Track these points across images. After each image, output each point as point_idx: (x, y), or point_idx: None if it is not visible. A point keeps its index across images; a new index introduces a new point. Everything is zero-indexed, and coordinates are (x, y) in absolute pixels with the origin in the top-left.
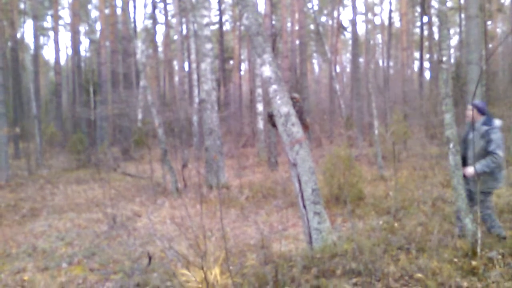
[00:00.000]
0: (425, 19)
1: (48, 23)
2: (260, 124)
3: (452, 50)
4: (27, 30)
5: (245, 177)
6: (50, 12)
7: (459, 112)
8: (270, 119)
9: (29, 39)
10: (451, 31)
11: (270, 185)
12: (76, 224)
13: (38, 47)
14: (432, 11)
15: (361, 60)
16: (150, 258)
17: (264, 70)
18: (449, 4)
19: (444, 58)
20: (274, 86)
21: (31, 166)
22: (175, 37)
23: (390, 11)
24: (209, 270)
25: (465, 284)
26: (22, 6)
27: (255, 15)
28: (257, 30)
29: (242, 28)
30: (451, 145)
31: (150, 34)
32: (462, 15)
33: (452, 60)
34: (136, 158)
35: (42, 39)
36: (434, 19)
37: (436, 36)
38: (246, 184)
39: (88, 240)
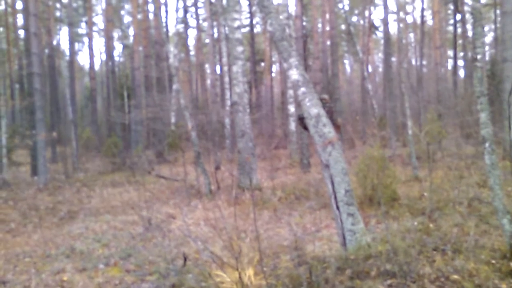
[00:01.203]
0: (458, 16)
1: (82, 29)
2: (292, 125)
3: (487, 48)
4: (62, 37)
5: (278, 179)
6: (84, 19)
7: (494, 111)
8: (301, 121)
9: (65, 46)
10: (486, 28)
11: (303, 186)
12: (112, 226)
13: (73, 53)
14: (466, 8)
15: (393, 59)
16: (185, 259)
17: (292, 73)
18: (483, 0)
19: (479, 56)
20: (303, 89)
21: (68, 169)
22: (207, 41)
23: (423, 9)
24: (243, 271)
25: (503, 286)
26: (58, 14)
27: (279, 21)
28: (282, 36)
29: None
30: (487, 144)
31: (182, 38)
32: (498, 11)
33: (487, 58)
34: (170, 161)
35: (77, 45)
36: (468, 16)
37: (470, 33)
38: (279, 186)
39: (124, 241)
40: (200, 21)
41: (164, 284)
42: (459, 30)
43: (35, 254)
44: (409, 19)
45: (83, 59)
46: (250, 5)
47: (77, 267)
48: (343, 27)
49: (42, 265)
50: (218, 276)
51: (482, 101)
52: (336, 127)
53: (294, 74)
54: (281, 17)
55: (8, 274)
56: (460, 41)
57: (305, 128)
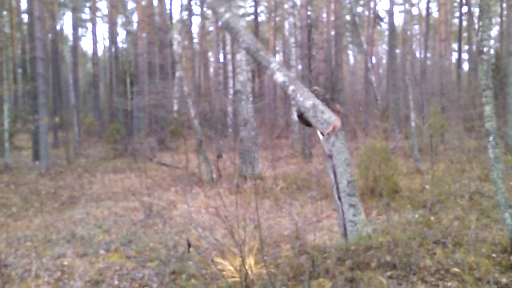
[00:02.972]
0: (464, 9)
1: (86, 15)
2: (295, 115)
3: (492, 41)
4: (66, 22)
5: (279, 168)
6: (88, 4)
7: (498, 105)
8: (301, 119)
9: (68, 31)
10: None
11: (304, 176)
12: (113, 212)
13: (76, 38)
14: (473, 0)
15: (397, 51)
16: (189, 245)
17: (277, 77)
18: None
19: (485, 49)
20: (291, 87)
21: (70, 155)
22: (211, 28)
23: (428, 1)
24: (244, 259)
25: (504, 280)
26: None
27: (249, 36)
28: (256, 47)
29: (277, 19)
30: (491, 138)
31: (186, 25)
32: (504, 4)
33: (492, 51)
34: (171, 148)
35: (80, 31)
36: (474, 9)
37: (476, 26)
38: (280, 175)
39: (125, 228)
40: (204, 9)
41: (165, 270)
42: (464, 23)
43: (36, 238)
44: (415, 11)
45: (86, 45)
46: None
47: (77, 252)
48: (348, 17)
49: (43, 249)
50: (219, 264)
51: (487, 94)
52: (336, 112)
53: (279, 77)
54: (286, 6)
55: (10, 258)
56: (465, 34)
57: (307, 124)
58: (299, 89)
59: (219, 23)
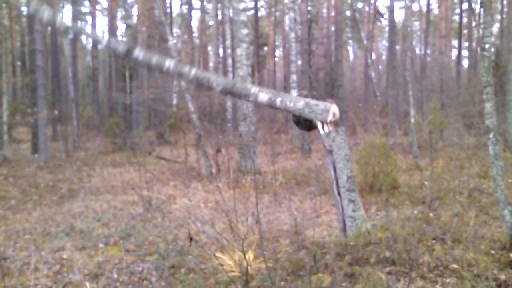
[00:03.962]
0: (465, 5)
1: (86, 8)
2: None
3: (492, 38)
4: (66, 15)
5: (278, 164)
6: None
7: (497, 102)
8: (301, 126)
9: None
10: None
11: (303, 172)
12: (112, 206)
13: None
14: None
15: (397, 47)
16: (191, 239)
17: (261, 98)
18: None
19: (487, 46)
20: (278, 99)
21: (69, 148)
22: (211, 23)
23: None
24: (244, 254)
25: (502, 277)
26: None
27: (220, 78)
28: (231, 83)
29: (277, 14)
30: (491, 135)
31: (185, 19)
32: (504, 1)
33: (492, 49)
34: (170, 142)
35: (80, 24)
36: (474, 6)
37: (476, 23)
38: (279, 171)
39: (124, 221)
40: (205, 3)
41: (164, 264)
42: (464, 20)
43: (35, 231)
44: (415, 7)
45: (85, 38)
46: None
47: (76, 245)
48: (348, 13)
49: (42, 242)
50: (218, 258)
51: (488, 91)
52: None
53: (264, 97)
54: (286, 1)
55: (8, 251)
56: (465, 31)
57: (309, 128)
58: (286, 97)
59: (190, 78)
